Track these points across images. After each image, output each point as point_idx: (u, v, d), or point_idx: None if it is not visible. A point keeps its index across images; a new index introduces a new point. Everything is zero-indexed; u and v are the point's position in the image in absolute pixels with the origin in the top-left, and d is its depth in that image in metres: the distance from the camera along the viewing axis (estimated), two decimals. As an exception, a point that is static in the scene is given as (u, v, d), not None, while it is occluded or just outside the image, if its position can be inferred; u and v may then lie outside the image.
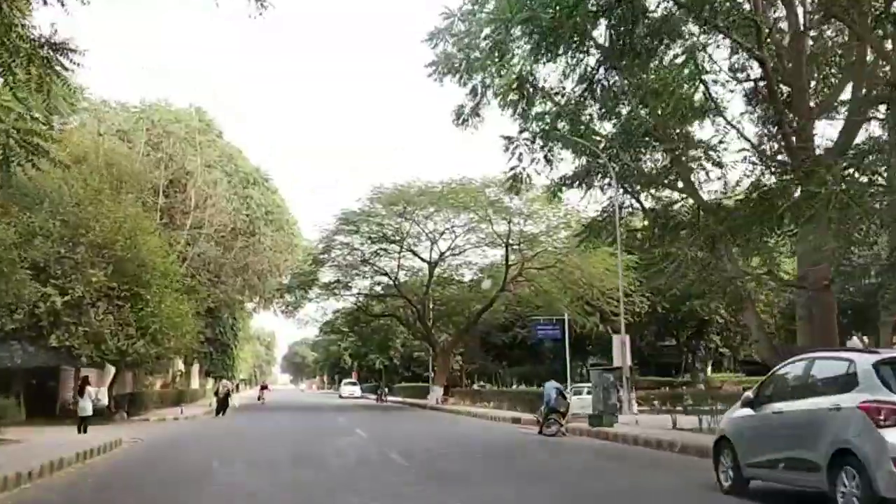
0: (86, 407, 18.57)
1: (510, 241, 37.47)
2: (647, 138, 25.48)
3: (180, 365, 50.08)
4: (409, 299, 41.48)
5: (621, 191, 27.83)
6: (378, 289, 44.16)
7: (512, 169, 25.98)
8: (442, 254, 41.51)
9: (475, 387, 54.44)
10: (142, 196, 31.31)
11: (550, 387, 19.79)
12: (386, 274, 41.89)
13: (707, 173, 23.70)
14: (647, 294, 39.75)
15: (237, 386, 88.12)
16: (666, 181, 24.81)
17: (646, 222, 28.51)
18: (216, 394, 33.56)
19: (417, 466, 12.70)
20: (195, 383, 53.53)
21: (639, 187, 27.01)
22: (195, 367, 52.19)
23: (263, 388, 55.51)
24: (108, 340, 24.00)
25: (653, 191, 27.39)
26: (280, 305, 46.31)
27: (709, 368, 48.57)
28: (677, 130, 24.06)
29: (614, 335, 22.86)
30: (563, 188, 27.90)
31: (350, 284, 42.74)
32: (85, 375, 22.45)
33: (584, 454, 15.61)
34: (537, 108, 25.26)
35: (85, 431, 18.24)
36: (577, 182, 27.11)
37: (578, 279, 37.08)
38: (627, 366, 21.54)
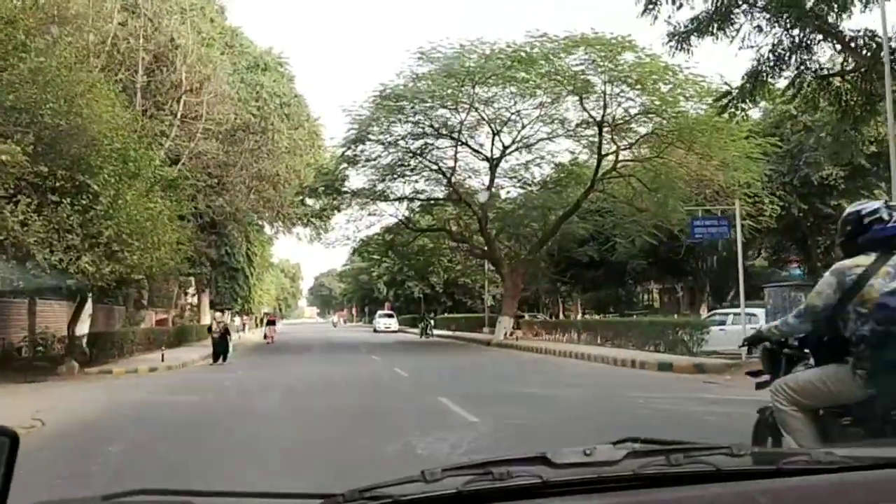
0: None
1: (605, 120, 27.97)
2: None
3: (190, 296, 41.94)
4: (470, 204, 32.36)
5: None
6: (423, 197, 34.90)
7: (646, -13, 17.70)
8: (506, 148, 32.30)
9: (526, 317, 45.92)
10: (87, 33, 22.35)
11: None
12: (438, 170, 32.56)
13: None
14: (779, 192, 30.46)
15: (260, 320, 79.87)
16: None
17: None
18: (209, 331, 24.97)
19: None
20: (206, 318, 45.41)
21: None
22: (206, 299, 43.89)
23: (270, 323, 41.75)
24: (35, 254, 15.44)
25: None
26: (302, 218, 37.24)
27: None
28: None
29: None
30: (694, 35, 19.39)
31: (388, 193, 33.48)
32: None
33: None
34: None
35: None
36: (715, 23, 18.84)
37: (695, 172, 27.82)
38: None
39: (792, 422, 3.90)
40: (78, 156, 16.34)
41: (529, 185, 34.24)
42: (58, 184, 15.98)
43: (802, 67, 18.80)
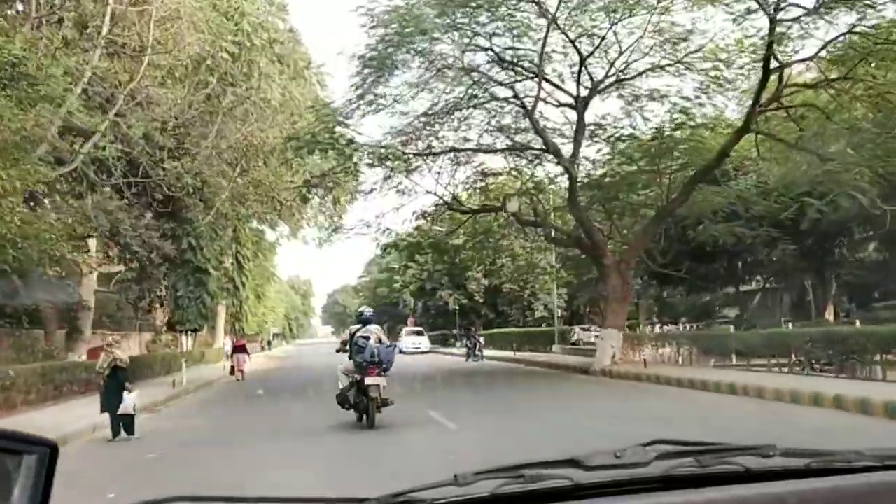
0: None
1: (779, 17, 17.30)
2: None
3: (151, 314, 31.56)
4: (560, 156, 21.64)
5: None
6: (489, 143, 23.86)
7: None
8: (596, 84, 21.85)
9: (578, 330, 35.19)
10: None
11: None
12: (517, 100, 21.70)
13: None
14: None
15: (268, 342, 67.54)
16: None
17: None
18: (99, 372, 13.53)
19: None
20: (188, 343, 35.11)
21: None
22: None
23: (238, 349, 27.14)
24: None
25: None
26: (300, 190, 26.60)
27: None
28: None
29: None
30: None
31: (430, 146, 22.78)
32: None
33: None
34: None
35: None
36: None
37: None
38: None
39: (342, 378, 11.87)
40: None
41: (628, 139, 23.41)
42: None
43: None
